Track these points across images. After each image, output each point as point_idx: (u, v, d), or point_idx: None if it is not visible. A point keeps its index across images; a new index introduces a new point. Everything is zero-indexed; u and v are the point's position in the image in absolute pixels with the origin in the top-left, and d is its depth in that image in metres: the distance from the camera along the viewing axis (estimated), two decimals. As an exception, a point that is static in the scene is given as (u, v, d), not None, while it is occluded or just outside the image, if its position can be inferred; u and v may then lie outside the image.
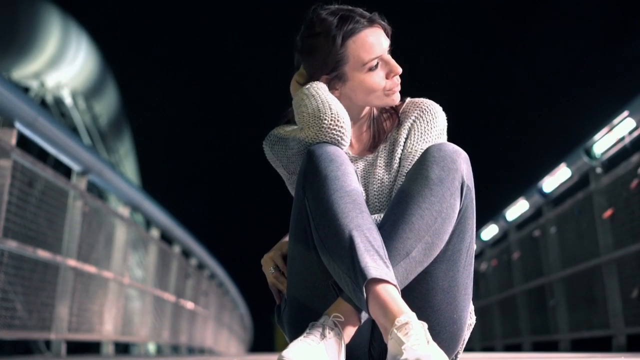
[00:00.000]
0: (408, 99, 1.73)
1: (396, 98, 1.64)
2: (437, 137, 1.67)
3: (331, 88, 1.62)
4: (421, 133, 1.66)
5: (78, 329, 4.89)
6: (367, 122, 1.71)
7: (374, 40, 1.60)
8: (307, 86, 1.60)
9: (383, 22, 1.63)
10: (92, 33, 19.95)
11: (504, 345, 8.23)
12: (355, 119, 1.68)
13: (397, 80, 1.62)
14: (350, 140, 1.69)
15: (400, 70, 1.61)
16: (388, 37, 1.64)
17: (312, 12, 1.64)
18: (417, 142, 1.65)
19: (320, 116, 1.55)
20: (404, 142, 1.67)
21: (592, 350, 5.52)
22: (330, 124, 1.54)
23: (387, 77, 1.62)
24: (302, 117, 1.58)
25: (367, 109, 1.69)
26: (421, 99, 1.72)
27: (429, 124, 1.67)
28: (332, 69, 1.60)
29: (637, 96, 4.40)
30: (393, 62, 1.62)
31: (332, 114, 1.55)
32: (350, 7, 1.63)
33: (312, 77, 1.63)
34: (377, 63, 1.60)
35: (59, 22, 18.19)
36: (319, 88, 1.59)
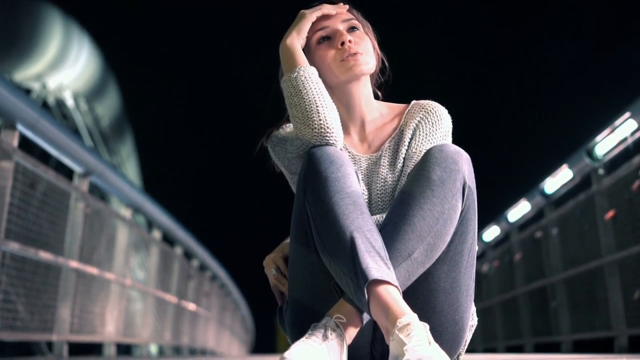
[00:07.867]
0: (414, 101, 1.74)
1: (356, 67, 1.64)
2: (442, 138, 1.67)
3: None
4: (426, 134, 1.67)
5: (80, 331, 4.89)
6: (370, 120, 1.72)
7: (319, 19, 1.67)
8: (295, 74, 1.59)
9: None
10: (93, 35, 20.01)
11: (506, 347, 8.22)
12: (348, 105, 1.70)
13: (349, 47, 1.64)
14: (354, 138, 1.71)
15: (345, 37, 1.64)
16: (350, 13, 1.69)
17: None
18: (421, 143, 1.66)
19: (309, 123, 1.55)
20: (409, 142, 1.67)
21: (594, 352, 5.52)
22: (321, 131, 1.55)
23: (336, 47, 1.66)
24: (293, 120, 1.58)
25: (359, 99, 1.70)
26: (427, 101, 1.73)
27: (434, 125, 1.68)
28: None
29: (639, 98, 4.40)
30: (341, 31, 1.66)
31: (320, 119, 1.55)
32: None
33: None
34: (323, 36, 1.67)
35: (61, 24, 18.23)
36: (307, 79, 1.59)
